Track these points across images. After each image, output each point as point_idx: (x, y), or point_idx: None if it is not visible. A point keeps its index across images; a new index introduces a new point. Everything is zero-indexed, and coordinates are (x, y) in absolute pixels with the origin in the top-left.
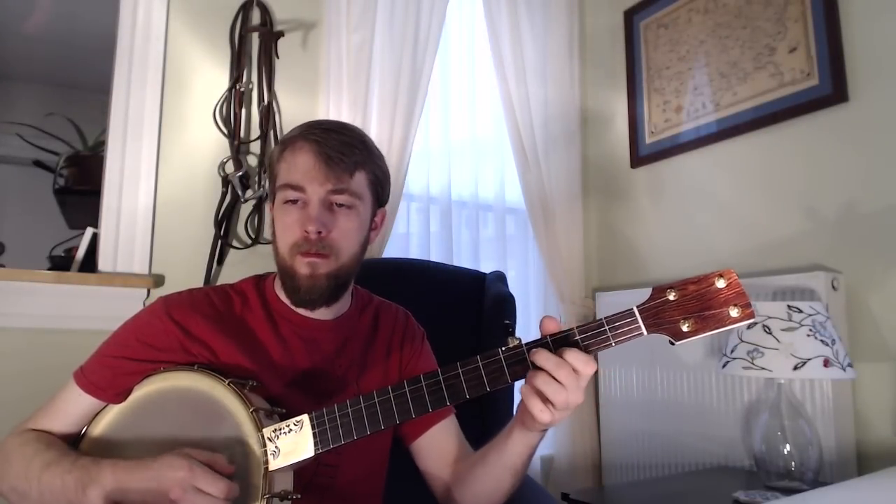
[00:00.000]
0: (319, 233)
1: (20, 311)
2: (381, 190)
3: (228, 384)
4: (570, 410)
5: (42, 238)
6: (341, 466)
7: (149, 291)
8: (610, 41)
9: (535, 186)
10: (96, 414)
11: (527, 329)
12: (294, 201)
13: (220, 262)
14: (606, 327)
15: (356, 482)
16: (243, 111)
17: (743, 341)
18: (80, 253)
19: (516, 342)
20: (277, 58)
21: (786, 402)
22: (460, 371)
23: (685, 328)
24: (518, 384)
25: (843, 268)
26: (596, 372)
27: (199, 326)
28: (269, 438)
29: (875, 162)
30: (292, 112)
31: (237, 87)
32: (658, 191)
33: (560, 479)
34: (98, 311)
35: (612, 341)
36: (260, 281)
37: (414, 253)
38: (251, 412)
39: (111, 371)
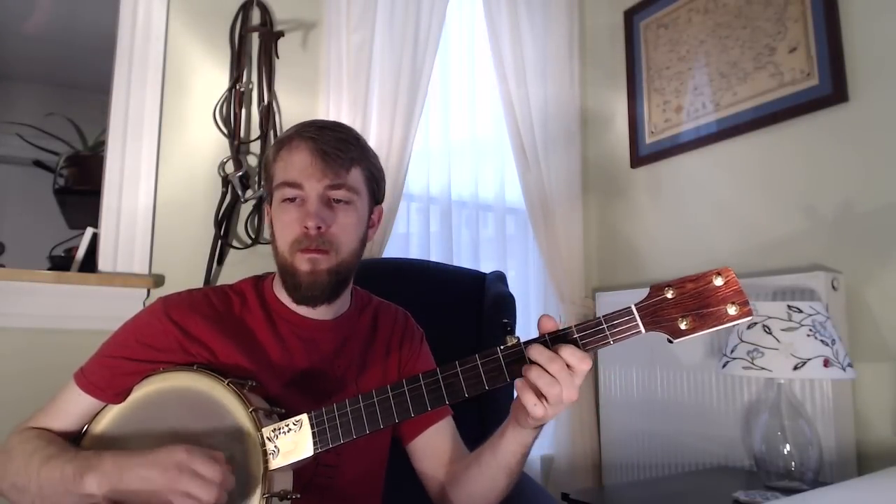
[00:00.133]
0: (319, 228)
1: (20, 311)
2: (376, 187)
3: (228, 384)
4: (563, 406)
5: (42, 238)
6: (341, 467)
7: (149, 291)
8: (610, 41)
9: (535, 186)
10: (96, 414)
11: (527, 329)
12: (292, 199)
13: (220, 262)
14: (604, 325)
15: (355, 483)
16: (243, 111)
17: (743, 341)
18: (80, 253)
19: (515, 341)
20: (277, 58)
21: (786, 402)
22: (459, 370)
23: (683, 326)
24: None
25: (843, 268)
26: (596, 372)
27: (198, 327)
28: (268, 438)
29: (875, 162)
30: (292, 112)
31: (237, 87)
32: (658, 191)
33: (560, 479)
34: (98, 311)
35: (610, 339)
36: (259, 281)
37: (414, 253)
38: (250, 412)
39: (110, 371)
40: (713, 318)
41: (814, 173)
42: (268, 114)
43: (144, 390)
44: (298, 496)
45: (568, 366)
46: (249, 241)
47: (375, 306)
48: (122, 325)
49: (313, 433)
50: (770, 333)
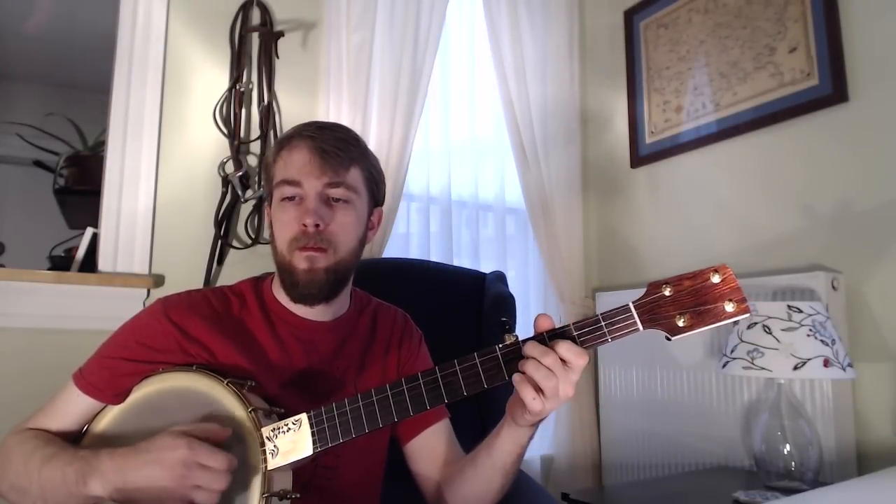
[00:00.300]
0: (317, 226)
1: (20, 311)
2: (376, 188)
3: (227, 384)
4: (560, 401)
5: (42, 238)
6: (339, 468)
7: (149, 292)
8: (610, 41)
9: (535, 186)
10: (95, 415)
11: (527, 329)
12: (291, 198)
13: (220, 262)
14: (602, 323)
15: (354, 484)
16: (243, 111)
17: (743, 341)
18: (80, 253)
19: (513, 339)
20: (277, 58)
21: (786, 402)
22: (458, 368)
23: (681, 323)
24: None
25: (843, 268)
26: (596, 372)
27: (197, 327)
28: (267, 438)
29: (875, 162)
30: (292, 112)
31: (237, 87)
32: (658, 191)
33: (560, 479)
34: (98, 311)
35: (608, 337)
36: (258, 282)
37: (414, 253)
38: (250, 412)
39: (109, 372)
40: (711, 315)
41: (814, 173)
42: (268, 114)
43: (144, 391)
44: (298, 496)
45: (564, 361)
46: (249, 241)
47: (374, 307)
48: (121, 325)
49: (313, 433)
50: (770, 333)
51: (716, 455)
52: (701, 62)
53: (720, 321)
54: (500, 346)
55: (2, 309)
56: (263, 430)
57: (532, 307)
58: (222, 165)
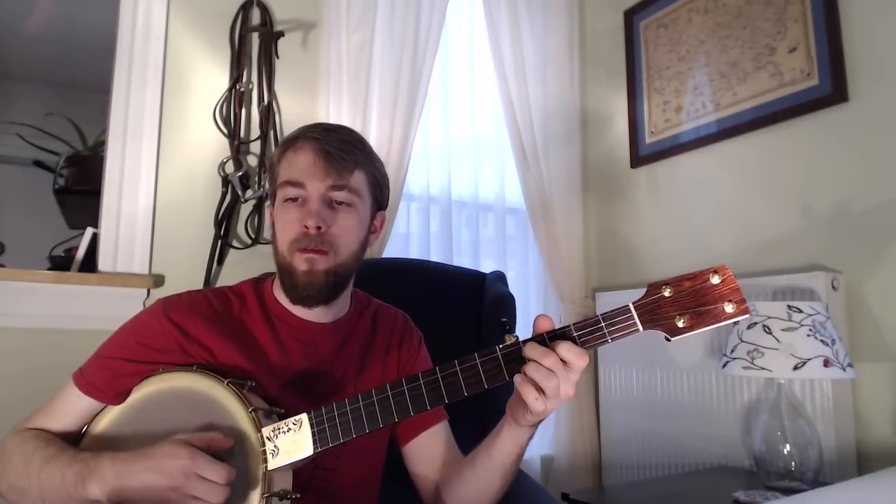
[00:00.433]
0: (319, 228)
1: (20, 311)
2: (380, 192)
3: (227, 384)
4: (561, 401)
5: (42, 238)
6: (339, 470)
7: (149, 292)
8: (610, 41)
9: (535, 186)
10: (95, 415)
11: (527, 329)
12: (294, 199)
13: (220, 262)
14: (603, 324)
15: (353, 485)
16: (243, 111)
17: (743, 341)
18: (80, 253)
19: (513, 340)
20: (277, 58)
21: (786, 402)
22: (458, 369)
23: (681, 324)
24: None
25: (843, 268)
26: (596, 372)
27: (197, 328)
28: (267, 438)
29: (875, 162)
30: (292, 112)
31: (237, 87)
32: (658, 191)
33: (560, 479)
34: (98, 311)
35: (608, 338)
36: (258, 283)
37: (414, 253)
38: (250, 412)
39: (110, 372)
40: (710, 316)
41: (814, 173)
42: (268, 114)
43: (144, 391)
44: (298, 496)
45: (564, 361)
46: (249, 241)
47: (375, 309)
48: (121, 326)
49: (313, 433)
50: (770, 333)
51: (716, 455)
52: (701, 62)
53: (720, 322)
54: (501, 346)
55: (2, 309)
56: (264, 430)
57: (532, 307)
58: (222, 165)
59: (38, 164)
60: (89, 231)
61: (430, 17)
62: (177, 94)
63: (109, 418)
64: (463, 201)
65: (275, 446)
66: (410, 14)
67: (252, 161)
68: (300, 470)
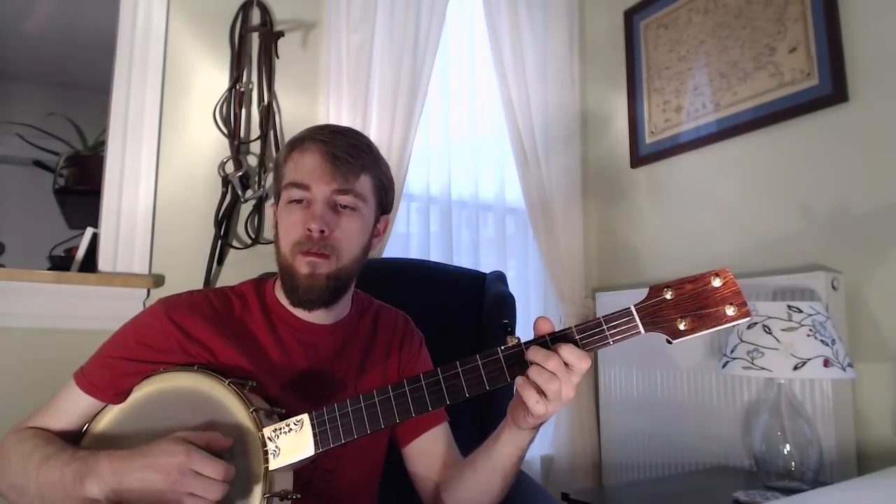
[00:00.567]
0: (322, 231)
1: (20, 311)
2: (385, 197)
3: (228, 384)
4: (562, 403)
5: (42, 238)
6: (339, 471)
7: (149, 292)
8: (610, 41)
9: (535, 186)
10: (96, 414)
11: (527, 329)
12: (299, 201)
13: (220, 262)
14: (604, 326)
15: (353, 486)
16: (243, 111)
17: (743, 341)
18: (80, 253)
19: (515, 341)
20: (277, 58)
21: (786, 402)
22: (460, 370)
23: (682, 327)
24: None
25: (843, 268)
26: (596, 372)
27: (198, 328)
28: (269, 438)
29: (875, 162)
30: (292, 112)
31: (237, 87)
32: (658, 191)
33: (560, 479)
34: (98, 311)
35: (609, 340)
36: (260, 284)
37: (414, 253)
38: (251, 412)
39: (110, 372)
40: (712, 319)
41: (814, 173)
42: (268, 114)
43: (145, 390)
44: (299, 496)
45: (566, 364)
46: (249, 241)
47: (376, 310)
48: (122, 325)
49: (314, 433)
50: (770, 333)
51: (716, 455)
52: (701, 62)
53: (721, 325)
54: (503, 347)
55: (2, 309)
56: (265, 430)
57: (532, 307)
58: (222, 165)
59: (38, 164)
60: (89, 231)
61: (430, 17)
62: (177, 94)
63: (110, 417)
64: (463, 201)
65: (276, 446)
66: (410, 14)
67: (252, 161)
68: (300, 471)
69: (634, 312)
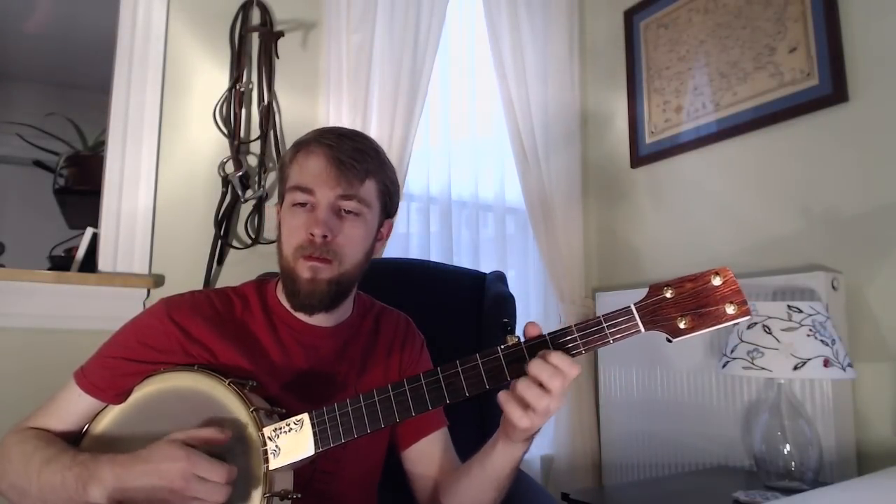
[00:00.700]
0: (325, 237)
1: (20, 311)
2: (389, 201)
3: (229, 384)
4: (548, 417)
5: (42, 238)
6: (338, 473)
7: (149, 291)
8: (610, 41)
9: (536, 186)
10: (96, 414)
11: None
12: (303, 204)
13: (220, 262)
14: (604, 325)
15: (352, 488)
16: (243, 111)
17: (743, 341)
18: (80, 253)
19: (515, 340)
20: (277, 58)
21: (786, 402)
22: (460, 369)
23: (682, 325)
24: None
25: (843, 268)
26: (596, 372)
27: (199, 328)
28: (269, 438)
29: (875, 162)
30: (292, 112)
31: (237, 87)
32: (658, 191)
33: (560, 479)
34: (98, 311)
35: (609, 339)
36: (262, 285)
37: (414, 253)
38: (251, 412)
39: (111, 372)
40: (712, 318)
41: (814, 173)
42: (268, 114)
43: (145, 390)
44: (299, 496)
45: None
46: (249, 242)
47: (378, 311)
48: (123, 325)
49: (314, 432)
50: (770, 333)
51: (716, 455)
52: (701, 62)
53: (721, 323)
54: (503, 346)
55: (2, 309)
56: (265, 429)
57: (532, 307)
58: (222, 165)
59: (38, 164)
60: (89, 231)
61: (430, 18)
62: (177, 94)
63: (110, 418)
64: (463, 201)
65: (276, 446)
66: (410, 14)
67: (252, 161)
68: (299, 472)
69: (634, 311)
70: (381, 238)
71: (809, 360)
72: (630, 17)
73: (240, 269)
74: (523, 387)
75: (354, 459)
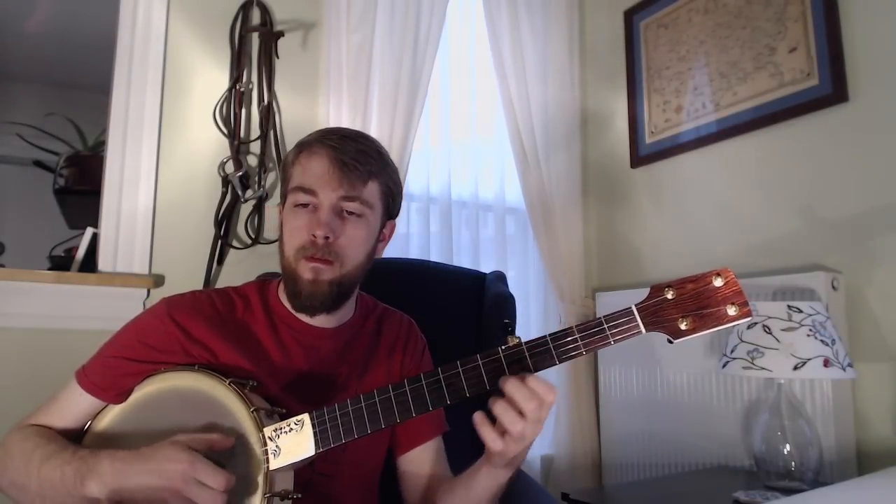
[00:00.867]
0: (327, 238)
1: (20, 311)
2: (392, 202)
3: (229, 384)
4: (524, 443)
5: (42, 238)
6: (337, 476)
7: (149, 291)
8: (610, 41)
9: (536, 186)
10: (97, 414)
11: (526, 329)
12: (305, 205)
13: (220, 262)
14: (605, 326)
15: (351, 490)
16: (243, 111)
17: (743, 341)
18: (80, 253)
19: (516, 341)
20: (277, 58)
21: (786, 402)
22: (460, 370)
23: (683, 326)
24: None
25: (843, 268)
26: (596, 372)
27: (199, 328)
28: (269, 438)
29: (875, 162)
30: (292, 112)
31: (237, 87)
32: (658, 191)
33: (560, 479)
34: (98, 311)
35: (610, 340)
36: (264, 285)
37: (414, 253)
38: (252, 412)
39: (112, 371)
40: (713, 319)
41: (814, 173)
42: (268, 114)
43: (145, 390)
44: (299, 496)
45: (540, 400)
46: (249, 242)
47: (380, 313)
48: (124, 325)
49: (315, 433)
50: (770, 333)
51: (716, 455)
52: (701, 62)
53: (722, 324)
54: (503, 347)
55: (2, 309)
56: (265, 430)
57: (532, 307)
58: (222, 165)
59: (38, 164)
60: (89, 231)
61: (430, 17)
62: (177, 94)
63: (111, 417)
64: (463, 201)
65: (276, 446)
66: (410, 14)
67: (252, 161)
68: (297, 474)
69: (635, 312)
70: (383, 239)
71: (809, 360)
72: (630, 17)
73: (240, 269)
74: (500, 409)
75: (353, 462)
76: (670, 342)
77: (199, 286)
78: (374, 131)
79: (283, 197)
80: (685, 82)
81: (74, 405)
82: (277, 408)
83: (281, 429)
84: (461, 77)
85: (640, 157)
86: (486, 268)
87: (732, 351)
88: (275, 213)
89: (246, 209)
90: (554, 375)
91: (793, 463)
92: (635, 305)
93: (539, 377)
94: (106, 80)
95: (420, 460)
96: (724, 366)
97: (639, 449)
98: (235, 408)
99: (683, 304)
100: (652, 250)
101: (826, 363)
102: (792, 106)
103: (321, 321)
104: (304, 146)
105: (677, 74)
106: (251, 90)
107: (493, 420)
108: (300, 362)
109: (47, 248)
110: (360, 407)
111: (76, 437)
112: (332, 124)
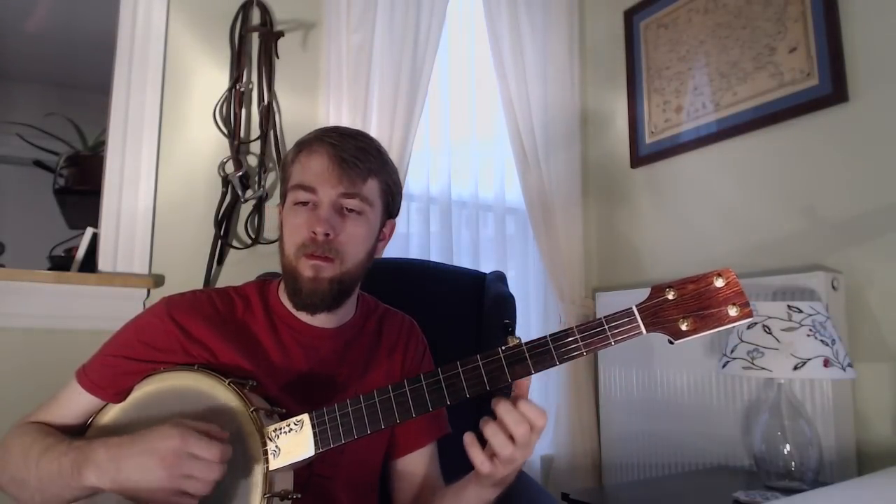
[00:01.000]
0: (327, 235)
1: (20, 311)
2: (392, 201)
3: (229, 384)
4: (513, 466)
5: (42, 238)
6: (336, 478)
7: (149, 291)
8: (610, 41)
9: (536, 186)
10: (97, 413)
11: (526, 329)
12: (305, 203)
13: (220, 262)
14: (606, 326)
15: (350, 492)
16: (243, 111)
17: (743, 341)
18: (80, 253)
19: (516, 341)
20: (277, 58)
21: (786, 402)
22: (460, 370)
23: (684, 327)
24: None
25: (843, 268)
26: (596, 372)
27: (199, 328)
28: (269, 438)
29: (875, 162)
30: (292, 112)
31: (237, 87)
32: (658, 191)
33: (560, 479)
34: (98, 311)
35: (611, 340)
36: (264, 285)
37: (414, 253)
38: (251, 412)
39: (112, 370)
40: (714, 319)
41: (814, 173)
42: (268, 114)
43: (145, 389)
44: (299, 496)
45: (531, 426)
46: (249, 241)
47: (381, 313)
48: (124, 324)
49: (314, 433)
50: (770, 333)
51: (716, 455)
52: (701, 62)
53: (723, 325)
54: (504, 348)
55: (2, 309)
56: (265, 430)
57: (532, 307)
58: (222, 165)
59: (38, 164)
60: (89, 231)
61: (430, 17)
62: (177, 94)
63: (110, 416)
64: (463, 201)
65: (276, 446)
66: (410, 14)
67: (252, 161)
68: (296, 475)
69: (636, 312)
70: (383, 238)
71: (809, 360)
72: (630, 17)
73: (240, 269)
74: (490, 431)
75: (351, 464)
76: (671, 343)
77: (199, 286)
78: (374, 131)
79: (283, 196)
80: (685, 82)
81: (74, 404)
82: (277, 408)
83: (280, 429)
84: (461, 77)
85: (640, 157)
86: (486, 268)
87: (732, 351)
88: (275, 213)
89: (246, 209)
90: (554, 375)
91: (793, 463)
92: (636, 306)
93: (531, 401)
94: (106, 80)
95: (415, 464)
96: (724, 366)
97: (639, 449)
98: (235, 407)
99: (684, 305)
100: (652, 250)
101: (826, 363)
102: (792, 106)
103: (322, 321)
104: (304, 144)
105: (677, 74)
106: (251, 90)
107: (483, 441)
108: (300, 362)
109: (47, 248)
110: (359, 407)
111: (76, 437)
112: (333, 124)
